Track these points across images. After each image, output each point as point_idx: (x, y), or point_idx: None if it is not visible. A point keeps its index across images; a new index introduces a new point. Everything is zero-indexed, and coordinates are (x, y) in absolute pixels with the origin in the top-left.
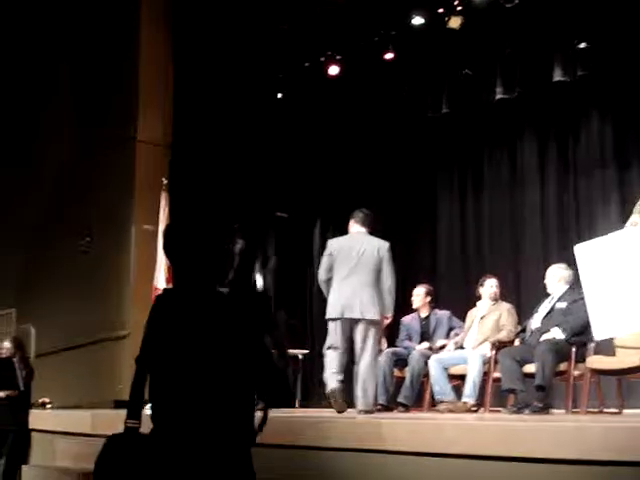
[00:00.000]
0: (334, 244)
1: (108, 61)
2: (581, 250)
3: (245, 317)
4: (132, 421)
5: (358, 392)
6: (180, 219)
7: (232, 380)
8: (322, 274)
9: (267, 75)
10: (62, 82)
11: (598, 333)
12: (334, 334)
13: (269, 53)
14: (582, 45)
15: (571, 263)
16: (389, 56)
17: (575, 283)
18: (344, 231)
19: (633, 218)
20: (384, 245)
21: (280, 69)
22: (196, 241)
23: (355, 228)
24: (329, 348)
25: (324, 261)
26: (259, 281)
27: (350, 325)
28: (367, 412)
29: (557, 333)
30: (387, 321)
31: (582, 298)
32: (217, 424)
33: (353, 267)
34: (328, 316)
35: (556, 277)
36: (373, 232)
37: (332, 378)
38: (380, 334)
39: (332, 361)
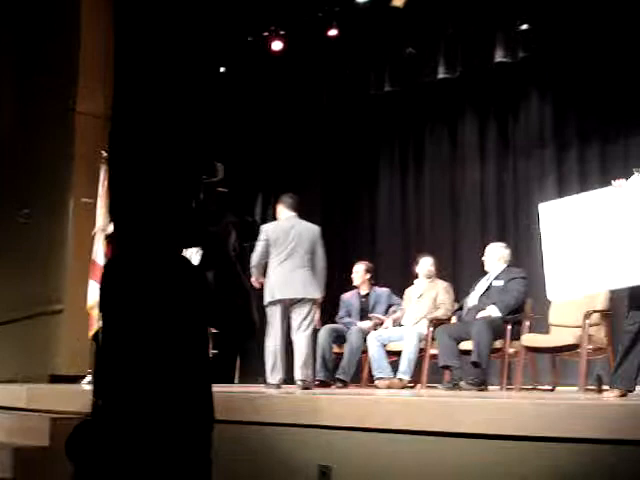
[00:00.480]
0: (269, 229)
1: (48, 32)
2: (545, 209)
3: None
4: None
5: (296, 369)
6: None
7: (184, 357)
8: (256, 259)
9: (210, 48)
10: (1, 53)
11: (553, 294)
12: (274, 319)
13: (213, 26)
14: (524, 26)
15: (509, 242)
16: (333, 33)
17: (512, 261)
18: None
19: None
20: (316, 229)
21: (223, 43)
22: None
23: (285, 213)
24: (269, 342)
25: (260, 246)
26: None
27: (288, 306)
28: (305, 388)
29: (493, 310)
30: (319, 300)
31: (518, 277)
32: (168, 405)
33: (290, 251)
34: (268, 300)
35: (495, 255)
36: (312, 210)
37: (274, 377)
38: (315, 312)
39: (274, 358)
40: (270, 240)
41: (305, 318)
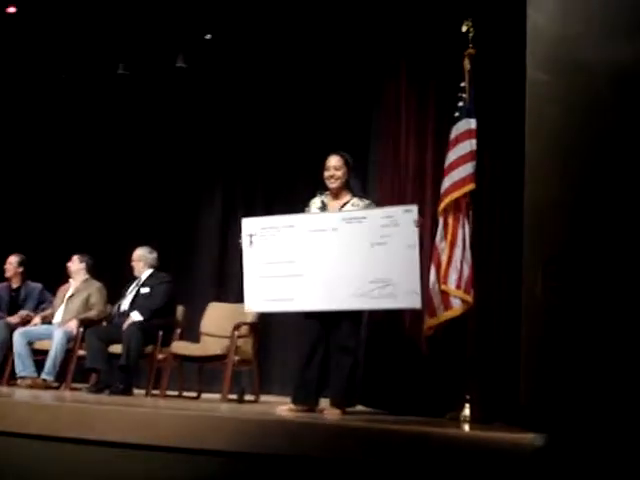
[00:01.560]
0: None
1: None
2: (248, 224)
3: None
4: None
5: None
6: None
7: None
8: None
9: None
10: None
11: (250, 305)
12: None
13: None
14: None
15: (154, 246)
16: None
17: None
18: None
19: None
20: None
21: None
22: None
23: None
24: None
25: None
26: None
27: None
28: None
29: (136, 316)
30: None
31: (164, 282)
32: None
33: None
34: None
35: (141, 260)
36: None
37: None
38: None
39: None
40: None
41: None
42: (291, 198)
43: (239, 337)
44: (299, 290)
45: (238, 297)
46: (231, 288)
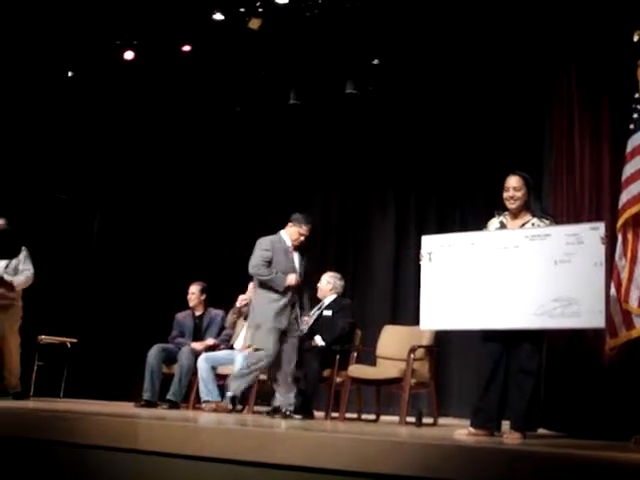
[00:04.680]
0: None
1: None
2: (427, 241)
3: None
4: None
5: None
6: None
7: None
8: None
9: (59, 52)
10: None
11: (426, 323)
12: None
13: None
14: (375, 61)
15: (345, 273)
16: (187, 48)
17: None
18: (126, 214)
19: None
20: None
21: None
22: None
23: None
24: None
25: None
26: None
27: None
28: None
29: (319, 340)
30: None
31: (347, 308)
32: None
33: None
34: None
35: (330, 284)
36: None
37: None
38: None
39: None
40: None
41: None
42: (464, 217)
43: (415, 360)
44: (477, 308)
45: (413, 319)
46: (406, 310)
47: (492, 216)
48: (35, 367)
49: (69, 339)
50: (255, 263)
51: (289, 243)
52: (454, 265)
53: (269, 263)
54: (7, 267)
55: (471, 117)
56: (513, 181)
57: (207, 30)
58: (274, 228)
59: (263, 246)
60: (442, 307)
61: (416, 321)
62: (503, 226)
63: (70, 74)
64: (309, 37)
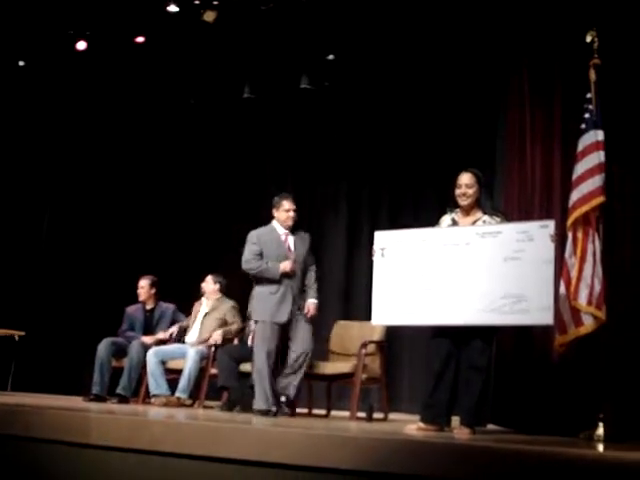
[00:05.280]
0: None
1: None
2: (380, 237)
3: None
4: None
5: None
6: None
7: None
8: None
9: (10, 41)
10: None
11: (377, 318)
12: None
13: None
14: (330, 57)
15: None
16: (140, 40)
17: None
18: (76, 207)
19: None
20: None
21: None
22: None
23: None
24: None
25: None
26: None
27: None
28: None
29: None
30: None
31: None
32: None
33: None
34: None
35: None
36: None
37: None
38: None
39: None
40: None
41: None
42: (416, 213)
43: (366, 355)
44: (428, 304)
45: (365, 315)
46: (358, 305)
47: (444, 212)
48: None
49: (17, 332)
50: (246, 258)
51: (282, 230)
52: (406, 261)
53: (260, 256)
54: None
55: (425, 114)
56: (465, 178)
57: (161, 22)
58: (224, 221)
59: (250, 240)
60: (394, 303)
61: (368, 316)
62: (455, 223)
63: (21, 64)
64: (264, 31)
